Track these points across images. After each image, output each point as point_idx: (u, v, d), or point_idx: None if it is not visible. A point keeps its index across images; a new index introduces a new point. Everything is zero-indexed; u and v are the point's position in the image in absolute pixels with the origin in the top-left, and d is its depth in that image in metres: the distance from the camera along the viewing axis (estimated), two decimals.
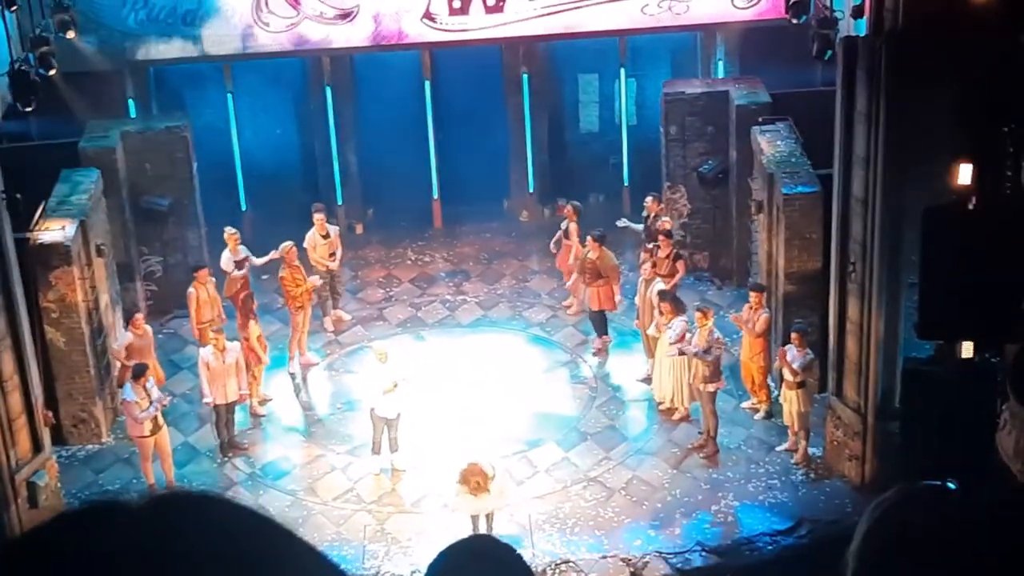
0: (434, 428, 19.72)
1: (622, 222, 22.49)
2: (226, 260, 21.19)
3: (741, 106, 21.96)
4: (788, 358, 18.14)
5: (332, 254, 22.22)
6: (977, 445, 16.02)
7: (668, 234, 21.12)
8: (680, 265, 20.92)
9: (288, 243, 20.96)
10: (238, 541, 1.91)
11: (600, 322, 21.44)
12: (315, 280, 21.17)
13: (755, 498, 18.07)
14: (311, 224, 22.09)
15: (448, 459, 18.89)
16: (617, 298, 21.18)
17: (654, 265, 20.59)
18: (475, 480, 16.63)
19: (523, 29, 22.85)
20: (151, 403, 17.95)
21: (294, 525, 2.02)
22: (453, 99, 25.26)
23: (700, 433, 19.08)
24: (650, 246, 21.21)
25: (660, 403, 19.84)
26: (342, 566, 2.05)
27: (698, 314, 18.74)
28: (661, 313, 19.24)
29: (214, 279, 20.83)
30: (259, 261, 21.37)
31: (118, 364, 19.69)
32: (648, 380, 20.41)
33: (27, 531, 1.91)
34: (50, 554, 1.87)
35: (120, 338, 19.64)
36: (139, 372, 18.15)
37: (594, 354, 21.55)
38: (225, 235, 21.36)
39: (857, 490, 17.93)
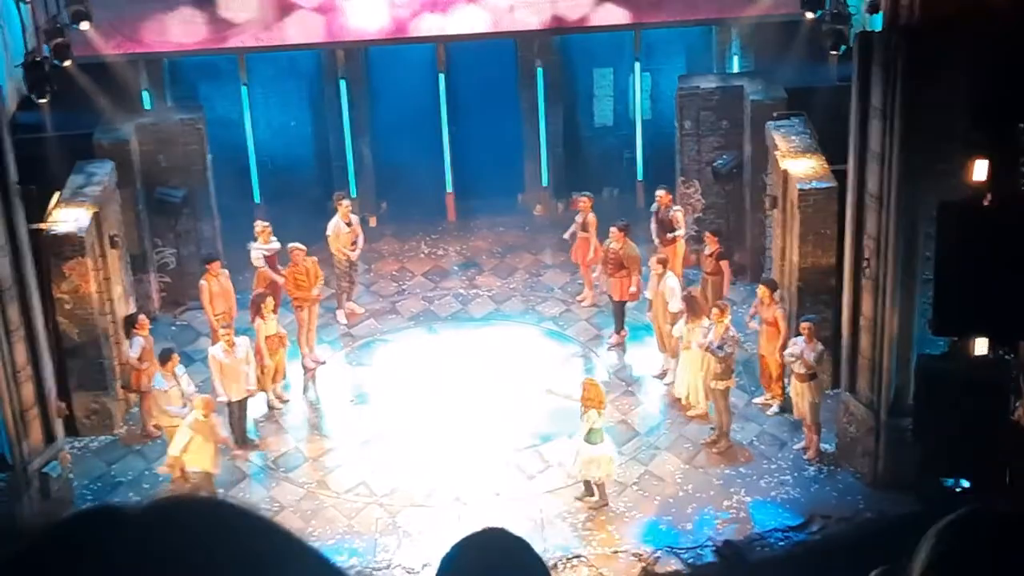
0: (446, 422, 19.73)
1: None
2: (256, 255, 21.14)
3: (756, 101, 21.91)
4: (797, 351, 18.11)
5: (352, 243, 22.27)
6: (989, 442, 15.99)
7: (716, 232, 21.15)
8: (725, 264, 20.92)
9: (295, 244, 20.94)
10: (239, 547, 1.89)
11: (619, 315, 21.45)
12: (318, 291, 21.15)
13: (767, 494, 18.04)
14: (325, 216, 22.10)
15: (460, 453, 18.96)
16: (632, 289, 21.14)
17: (697, 262, 20.89)
18: (597, 391, 17.44)
19: (538, 22, 22.81)
20: (183, 397, 18.03)
21: (299, 527, 2.01)
22: (467, 92, 25.24)
23: (713, 429, 19.05)
24: (669, 236, 21.39)
25: (678, 398, 19.87)
26: (346, 566, 2.03)
27: (715, 311, 18.70)
28: (693, 315, 19.16)
29: (226, 271, 20.83)
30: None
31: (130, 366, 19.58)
32: (662, 376, 20.44)
33: (26, 540, 1.89)
34: (48, 563, 1.85)
35: (133, 345, 19.43)
36: (165, 357, 18.22)
37: (608, 348, 21.56)
38: (257, 229, 21.28)
39: (869, 486, 17.91)
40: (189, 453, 17.37)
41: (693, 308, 19.11)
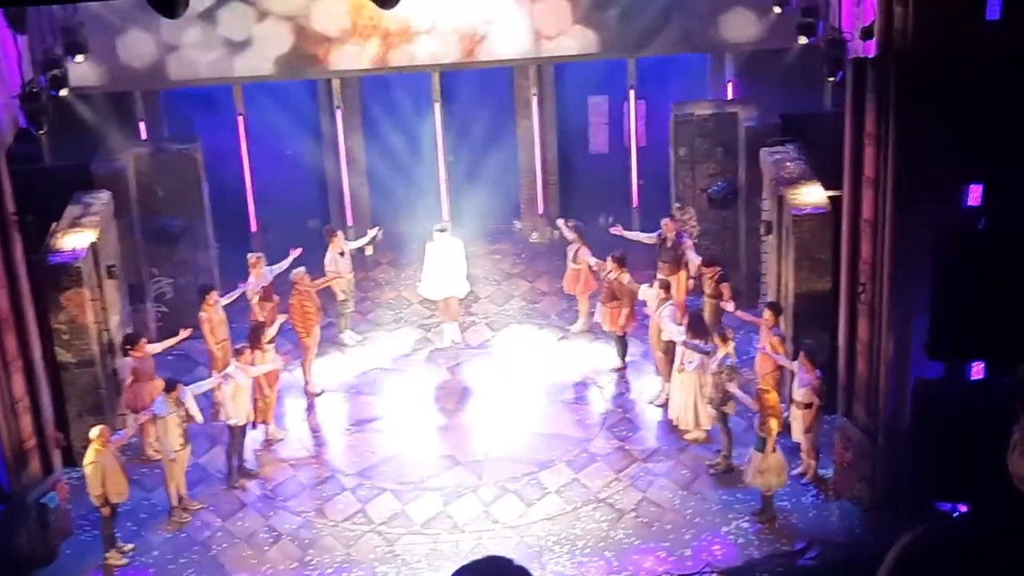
0: (444, 449, 19.74)
1: (616, 229, 22.43)
2: (251, 288, 21.14)
3: (750, 127, 21.97)
4: (795, 379, 18.19)
5: (351, 270, 22.43)
6: (988, 466, 15.98)
7: (712, 261, 21.19)
8: (725, 288, 20.93)
9: (300, 269, 20.98)
10: None
11: (619, 344, 21.48)
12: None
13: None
14: (321, 245, 22.12)
15: (458, 480, 18.95)
16: (621, 321, 21.16)
17: (696, 285, 21.23)
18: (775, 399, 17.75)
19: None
20: (182, 424, 17.92)
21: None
22: (463, 121, 25.29)
23: (719, 450, 19.08)
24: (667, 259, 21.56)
25: (675, 423, 19.90)
26: None
27: (717, 338, 18.71)
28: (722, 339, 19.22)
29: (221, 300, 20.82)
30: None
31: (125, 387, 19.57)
32: (661, 403, 20.47)
33: None
34: None
35: (122, 365, 19.42)
36: (171, 385, 18.05)
37: (611, 370, 21.58)
38: (250, 260, 21.22)
39: (867, 511, 17.89)
40: (108, 485, 17.20)
41: (698, 329, 19.14)
